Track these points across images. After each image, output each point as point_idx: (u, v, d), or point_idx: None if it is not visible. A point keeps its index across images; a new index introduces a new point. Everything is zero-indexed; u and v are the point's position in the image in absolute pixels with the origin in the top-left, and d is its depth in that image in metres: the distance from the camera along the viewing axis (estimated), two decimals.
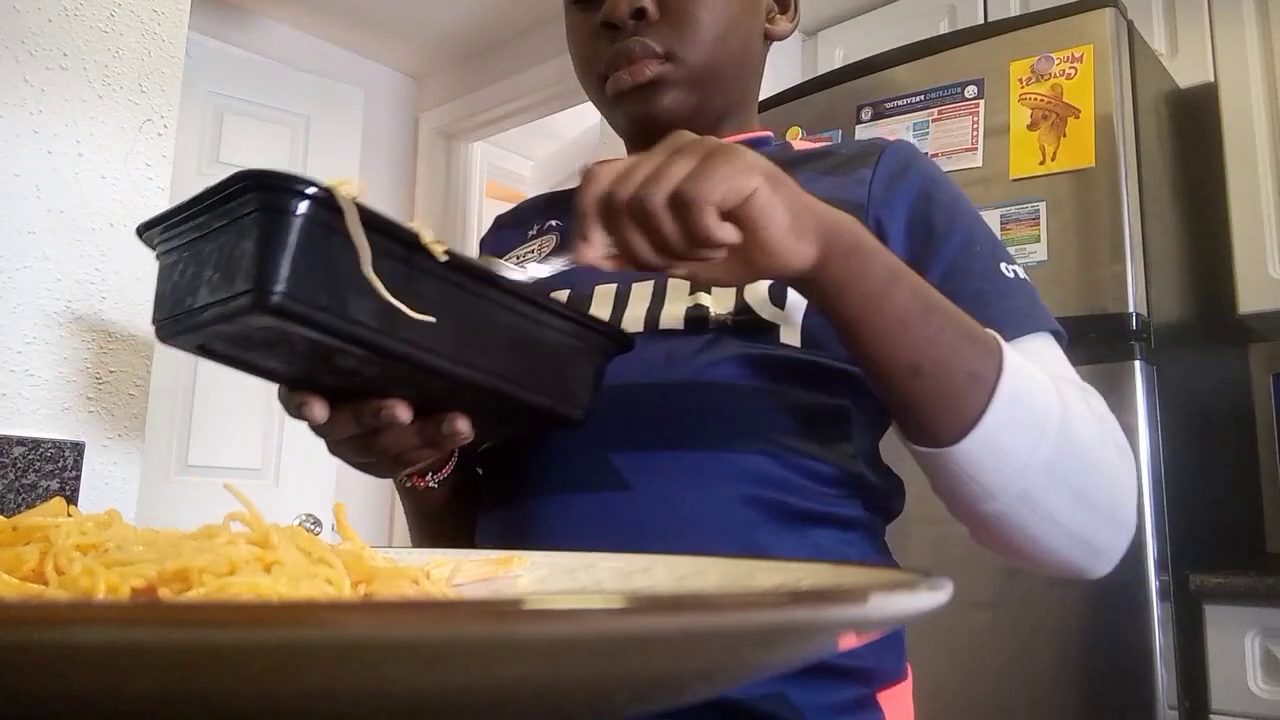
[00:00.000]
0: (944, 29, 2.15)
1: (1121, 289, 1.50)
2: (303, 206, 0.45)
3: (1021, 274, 0.68)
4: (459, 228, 3.01)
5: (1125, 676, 1.39)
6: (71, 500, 0.96)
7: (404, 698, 0.17)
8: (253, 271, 0.45)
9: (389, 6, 2.71)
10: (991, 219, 1.61)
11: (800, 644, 0.23)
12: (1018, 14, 1.99)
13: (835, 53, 2.39)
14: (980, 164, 1.66)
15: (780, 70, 2.42)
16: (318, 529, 2.36)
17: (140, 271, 1.08)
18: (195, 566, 0.29)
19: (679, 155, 0.49)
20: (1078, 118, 1.58)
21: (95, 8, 1.06)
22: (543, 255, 0.79)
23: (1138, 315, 1.49)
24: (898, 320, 0.55)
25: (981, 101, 1.69)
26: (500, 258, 0.84)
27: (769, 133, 0.80)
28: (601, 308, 0.71)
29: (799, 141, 0.81)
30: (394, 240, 0.49)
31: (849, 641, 0.25)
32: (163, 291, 0.53)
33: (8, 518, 0.35)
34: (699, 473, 0.62)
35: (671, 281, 0.70)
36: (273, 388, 0.58)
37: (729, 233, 0.49)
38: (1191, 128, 1.85)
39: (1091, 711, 1.41)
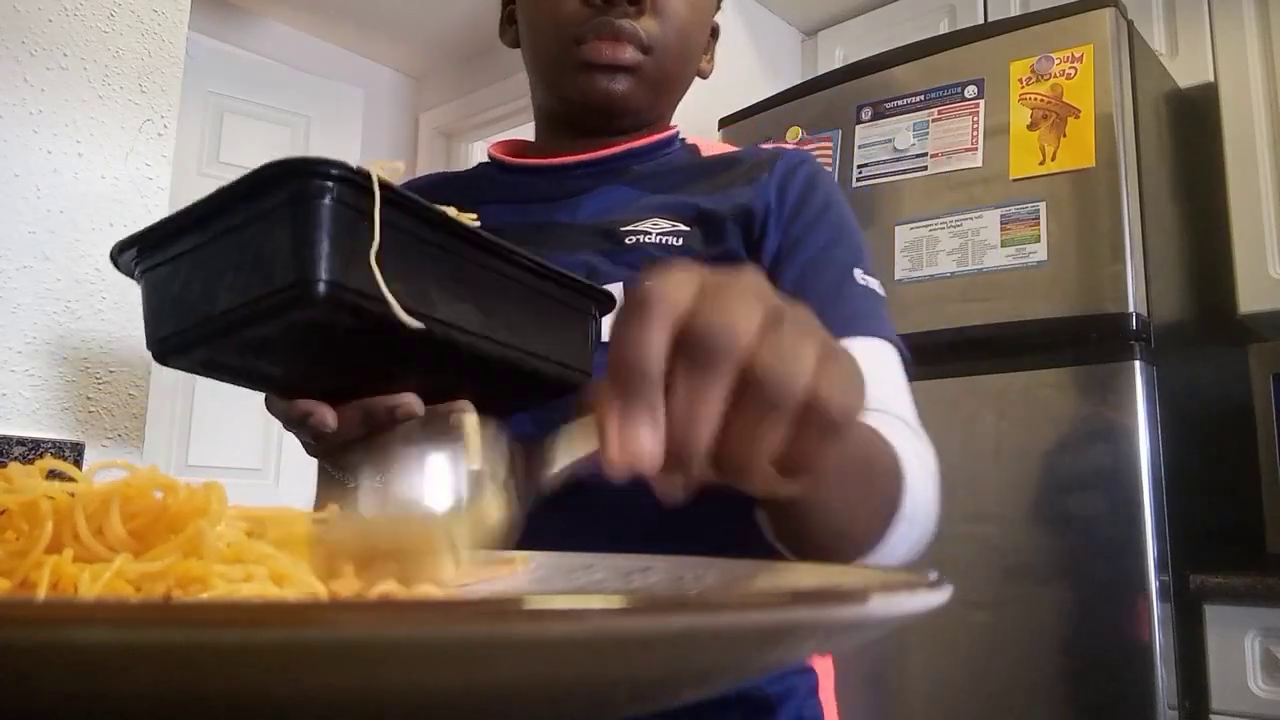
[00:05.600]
0: (944, 29, 2.15)
1: (1121, 289, 1.50)
2: (336, 191, 0.44)
3: (876, 287, 0.68)
4: None
5: (1125, 676, 1.39)
6: None
7: (404, 698, 0.17)
8: (294, 263, 0.43)
9: (389, 6, 2.71)
10: (991, 219, 1.61)
11: (800, 644, 0.23)
12: (1018, 14, 1.99)
13: (835, 53, 2.39)
14: (980, 164, 1.66)
15: (780, 70, 2.42)
16: None
17: None
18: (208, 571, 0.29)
19: (797, 341, 0.31)
20: (1078, 118, 1.58)
21: (95, 8, 1.06)
22: None
23: (1138, 315, 1.49)
24: (844, 503, 0.50)
25: (981, 101, 1.69)
26: None
27: (677, 129, 0.81)
28: None
29: (705, 144, 0.82)
30: (423, 221, 0.47)
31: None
32: (158, 308, 0.50)
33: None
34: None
35: None
36: None
37: None
38: (1191, 128, 1.85)
39: (1091, 712, 1.41)
